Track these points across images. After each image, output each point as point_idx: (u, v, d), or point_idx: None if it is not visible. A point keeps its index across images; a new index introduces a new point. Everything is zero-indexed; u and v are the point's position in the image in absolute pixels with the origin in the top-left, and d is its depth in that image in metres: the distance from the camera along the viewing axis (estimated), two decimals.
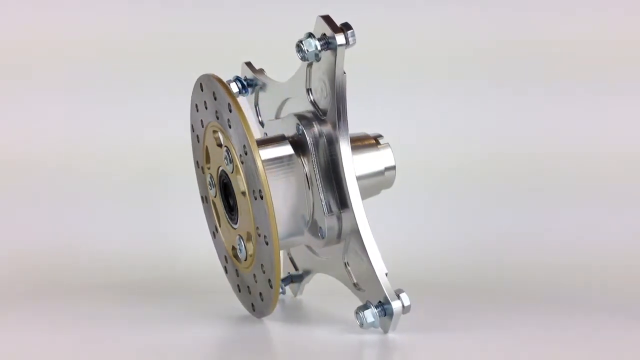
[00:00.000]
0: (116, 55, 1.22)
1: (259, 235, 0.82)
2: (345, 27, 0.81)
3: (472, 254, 1.11)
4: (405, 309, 0.82)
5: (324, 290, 0.94)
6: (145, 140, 1.20)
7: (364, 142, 0.89)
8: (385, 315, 0.82)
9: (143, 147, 1.20)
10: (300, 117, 0.86)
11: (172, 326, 0.85)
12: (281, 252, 0.94)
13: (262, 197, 0.79)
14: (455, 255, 1.11)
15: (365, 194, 0.89)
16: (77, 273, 1.04)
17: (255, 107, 0.94)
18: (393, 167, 0.89)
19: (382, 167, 0.89)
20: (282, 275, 0.96)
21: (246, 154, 0.80)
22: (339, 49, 0.80)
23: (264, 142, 0.86)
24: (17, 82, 1.21)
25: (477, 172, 1.20)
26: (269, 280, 0.82)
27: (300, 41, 0.81)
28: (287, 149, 0.85)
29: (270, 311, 0.84)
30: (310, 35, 0.81)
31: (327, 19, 0.81)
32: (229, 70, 0.94)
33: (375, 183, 0.89)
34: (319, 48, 0.81)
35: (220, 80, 0.82)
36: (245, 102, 0.94)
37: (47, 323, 0.86)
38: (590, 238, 1.13)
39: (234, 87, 0.93)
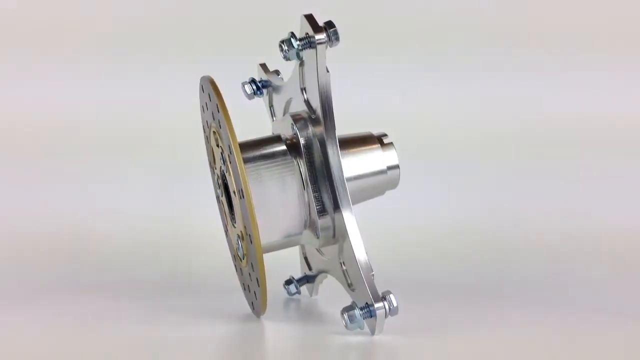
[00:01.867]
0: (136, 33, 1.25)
1: (247, 234, 0.83)
2: (328, 26, 0.81)
3: (471, 251, 1.09)
4: (392, 311, 0.81)
5: (339, 290, 0.93)
6: (161, 135, 1.23)
7: (367, 142, 0.89)
8: (371, 317, 0.81)
9: (156, 144, 1.23)
10: (296, 118, 0.86)
11: (169, 323, 0.86)
12: (296, 251, 0.95)
13: (243, 196, 0.80)
14: (454, 252, 1.09)
15: (367, 194, 0.89)
16: (82, 265, 1.07)
17: (270, 108, 0.95)
18: (396, 167, 0.88)
19: (384, 167, 0.88)
20: (298, 276, 0.96)
21: (231, 153, 0.81)
22: (319, 48, 0.80)
23: (259, 142, 0.87)
24: (34, 63, 1.24)
25: (475, 156, 1.17)
26: (257, 279, 0.83)
27: (282, 41, 0.82)
28: (280, 149, 0.85)
29: (262, 310, 0.85)
30: (292, 34, 0.81)
31: (310, 18, 0.81)
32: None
33: (377, 182, 0.88)
34: (299, 47, 0.81)
35: (211, 81, 0.84)
36: (261, 103, 0.96)
37: (47, 319, 0.88)
38: (587, 230, 1.08)
39: (248, 89, 0.94)
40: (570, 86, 1.21)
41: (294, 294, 0.96)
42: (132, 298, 0.94)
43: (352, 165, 0.87)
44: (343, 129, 0.88)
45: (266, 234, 0.84)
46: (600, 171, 1.16)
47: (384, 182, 0.88)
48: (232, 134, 0.80)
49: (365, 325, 0.81)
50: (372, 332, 0.81)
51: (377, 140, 0.89)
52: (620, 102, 1.20)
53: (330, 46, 0.81)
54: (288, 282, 0.96)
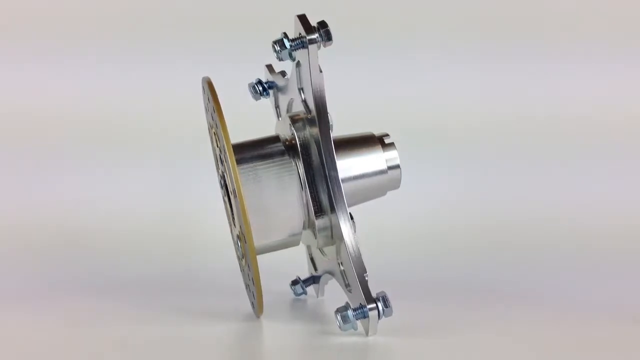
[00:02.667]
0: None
1: (242, 234, 0.83)
2: (321, 26, 0.81)
3: (470, 250, 1.08)
4: (386, 312, 0.80)
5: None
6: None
7: (367, 142, 0.88)
8: (364, 318, 0.80)
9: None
10: (294, 118, 0.86)
11: (168, 322, 0.87)
12: (303, 251, 0.95)
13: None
14: (452, 251, 1.08)
15: (368, 194, 0.88)
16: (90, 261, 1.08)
17: (276, 109, 0.95)
18: (397, 166, 0.87)
19: (384, 167, 0.87)
20: (305, 276, 0.96)
21: (225, 152, 0.82)
22: (310, 48, 0.80)
23: (257, 142, 0.87)
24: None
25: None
26: (252, 279, 0.83)
27: (275, 41, 0.82)
28: (278, 149, 0.85)
29: (259, 310, 0.85)
30: (284, 35, 0.81)
31: (302, 18, 0.81)
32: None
33: (378, 183, 0.88)
34: (291, 48, 0.81)
35: (209, 82, 0.84)
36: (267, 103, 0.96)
37: (44, 317, 0.89)
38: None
39: (254, 90, 0.94)
40: (571, 78, 1.19)
41: (300, 294, 0.96)
42: (133, 296, 0.94)
43: (352, 165, 0.86)
44: (345, 127, 0.88)
45: (264, 234, 0.84)
46: (604, 164, 1.13)
47: (384, 182, 0.88)
48: (225, 133, 0.81)
49: (361, 326, 0.81)
50: (366, 333, 0.81)
51: (378, 140, 0.88)
52: (623, 97, 1.18)
53: (324, 46, 0.81)
54: (294, 282, 0.96)
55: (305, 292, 0.96)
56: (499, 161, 1.18)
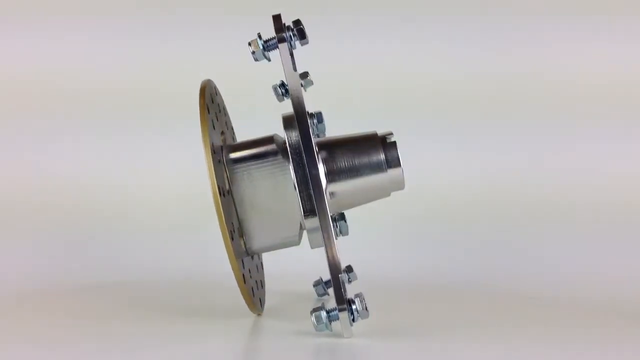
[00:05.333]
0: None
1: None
2: (294, 24, 0.80)
3: (466, 249, 1.04)
4: (360, 314, 0.79)
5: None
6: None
7: (369, 141, 0.86)
8: (338, 319, 0.79)
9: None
10: (288, 119, 0.86)
11: (165, 320, 0.88)
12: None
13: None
14: (448, 255, 1.03)
15: (369, 194, 0.87)
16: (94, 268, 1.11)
17: None
18: (398, 166, 0.85)
19: (384, 166, 0.85)
20: (326, 278, 0.96)
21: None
22: (280, 47, 0.80)
23: (253, 142, 0.88)
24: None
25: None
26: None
27: (249, 42, 0.82)
28: (271, 149, 0.86)
29: (250, 308, 0.86)
30: (258, 35, 0.82)
31: (276, 18, 0.81)
32: None
33: (378, 182, 0.86)
34: (264, 48, 0.81)
35: (202, 87, 0.86)
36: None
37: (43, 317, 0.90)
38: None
39: (278, 92, 0.95)
40: (570, 46, 1.10)
41: (323, 295, 0.95)
42: (133, 294, 0.97)
43: (350, 164, 0.85)
44: (345, 116, 0.88)
45: (260, 233, 0.85)
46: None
47: (385, 182, 0.85)
48: (205, 135, 0.82)
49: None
50: (343, 335, 0.79)
51: (379, 139, 0.86)
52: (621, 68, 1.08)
53: (300, 45, 0.80)
54: (316, 283, 0.96)
55: (327, 293, 0.95)
56: (495, 158, 1.12)
